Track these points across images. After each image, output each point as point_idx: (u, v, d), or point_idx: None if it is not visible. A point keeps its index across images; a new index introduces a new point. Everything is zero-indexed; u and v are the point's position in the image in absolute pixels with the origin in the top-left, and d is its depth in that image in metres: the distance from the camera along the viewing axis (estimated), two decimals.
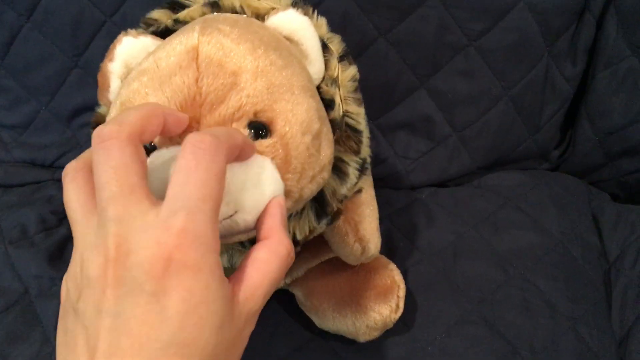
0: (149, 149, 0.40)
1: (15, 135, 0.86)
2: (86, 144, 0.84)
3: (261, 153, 0.39)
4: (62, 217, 0.77)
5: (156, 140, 0.39)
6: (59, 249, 0.72)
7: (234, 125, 0.39)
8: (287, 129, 0.40)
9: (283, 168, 0.40)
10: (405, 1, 0.72)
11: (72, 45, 0.78)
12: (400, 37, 0.74)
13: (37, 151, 0.85)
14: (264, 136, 0.40)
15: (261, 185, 0.38)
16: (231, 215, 0.37)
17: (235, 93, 0.40)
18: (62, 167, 0.83)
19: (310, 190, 0.42)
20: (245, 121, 0.40)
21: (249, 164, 0.38)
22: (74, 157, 0.85)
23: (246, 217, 0.38)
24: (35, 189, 0.82)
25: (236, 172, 0.37)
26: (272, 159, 0.39)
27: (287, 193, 0.40)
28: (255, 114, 0.40)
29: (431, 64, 0.77)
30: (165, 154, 0.38)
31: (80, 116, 0.84)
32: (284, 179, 0.40)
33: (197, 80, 0.39)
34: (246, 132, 0.40)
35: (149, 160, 0.38)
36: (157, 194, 0.33)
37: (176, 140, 0.39)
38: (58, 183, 0.82)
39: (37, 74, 0.81)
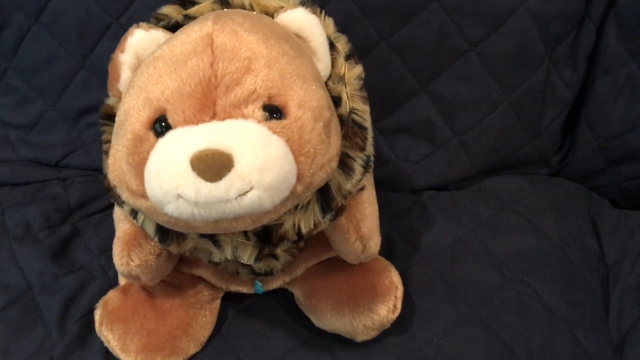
0: (160, 132, 0.41)
1: (22, 134, 0.87)
2: (91, 144, 0.86)
3: (276, 134, 0.40)
4: (66, 216, 0.79)
5: (170, 121, 0.41)
6: (62, 246, 0.74)
7: (249, 107, 0.41)
8: (301, 113, 0.42)
9: (296, 151, 0.41)
10: (406, 6, 0.73)
11: (79, 46, 0.80)
12: (402, 41, 0.75)
13: (42, 150, 0.87)
14: (279, 119, 0.41)
15: (278, 165, 0.39)
16: (246, 192, 0.38)
17: (250, 77, 0.41)
18: (67, 167, 0.86)
19: (320, 177, 0.43)
20: (259, 103, 0.41)
21: (269, 143, 0.39)
22: (78, 156, 0.87)
23: (261, 195, 0.38)
24: (40, 188, 0.83)
25: (256, 150, 0.38)
26: (287, 141, 0.40)
27: (299, 177, 0.41)
28: (269, 97, 0.41)
29: (432, 68, 0.78)
30: (182, 133, 0.39)
31: (85, 116, 0.85)
32: (297, 161, 0.41)
33: (212, 64, 0.41)
34: (260, 113, 0.41)
35: (164, 139, 0.40)
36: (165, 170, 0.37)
37: (191, 120, 0.40)
38: (63, 182, 0.84)
39: (45, 74, 0.83)
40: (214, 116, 0.40)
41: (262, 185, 0.38)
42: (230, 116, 0.40)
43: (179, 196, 0.38)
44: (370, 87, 0.54)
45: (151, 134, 0.42)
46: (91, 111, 0.84)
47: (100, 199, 0.81)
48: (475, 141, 0.82)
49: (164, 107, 0.41)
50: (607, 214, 0.79)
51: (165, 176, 0.38)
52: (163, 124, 0.41)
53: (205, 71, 0.41)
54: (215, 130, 0.39)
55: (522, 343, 0.62)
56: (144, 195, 0.42)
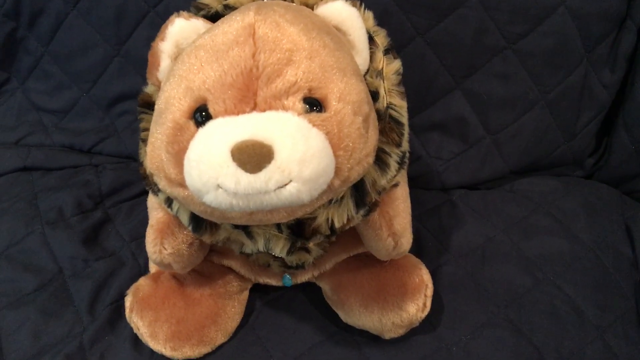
0: (200, 121, 0.41)
1: (56, 120, 0.89)
2: (124, 131, 0.87)
3: (316, 127, 0.40)
4: (97, 202, 0.79)
5: (211, 110, 0.41)
6: (94, 232, 0.74)
7: (290, 99, 0.41)
8: (341, 107, 0.42)
9: (335, 145, 0.41)
10: (444, 2, 0.72)
11: (115, 34, 0.80)
12: (438, 37, 0.74)
13: (76, 136, 0.88)
14: (319, 111, 0.41)
15: (318, 158, 0.39)
16: (285, 185, 0.38)
17: (292, 69, 0.41)
18: (100, 153, 0.87)
19: (357, 172, 0.43)
20: (300, 95, 0.41)
21: (308, 135, 0.39)
22: (111, 143, 0.89)
23: (300, 188, 0.38)
24: (73, 173, 0.84)
25: (296, 142, 0.38)
26: (326, 134, 0.40)
27: (336, 171, 0.41)
28: (310, 90, 0.41)
29: (468, 65, 0.77)
30: (222, 123, 0.39)
31: (119, 104, 0.86)
32: (335, 155, 0.41)
33: (253, 55, 0.41)
34: (301, 105, 0.41)
35: (205, 129, 0.40)
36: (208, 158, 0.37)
37: (232, 110, 0.40)
38: (95, 168, 0.85)
39: (80, 61, 0.84)
40: (254, 107, 0.40)
41: (301, 178, 0.38)
42: (270, 107, 0.40)
43: (219, 186, 0.38)
44: (404, 83, 0.54)
45: (191, 123, 0.42)
46: (124, 99, 0.85)
47: (131, 186, 0.81)
48: (509, 141, 0.81)
49: (205, 96, 0.41)
50: None
51: (205, 166, 0.38)
52: (204, 113, 0.41)
53: (246, 62, 0.41)
54: (256, 121, 0.39)
55: (551, 347, 0.61)
56: (182, 184, 0.42)
